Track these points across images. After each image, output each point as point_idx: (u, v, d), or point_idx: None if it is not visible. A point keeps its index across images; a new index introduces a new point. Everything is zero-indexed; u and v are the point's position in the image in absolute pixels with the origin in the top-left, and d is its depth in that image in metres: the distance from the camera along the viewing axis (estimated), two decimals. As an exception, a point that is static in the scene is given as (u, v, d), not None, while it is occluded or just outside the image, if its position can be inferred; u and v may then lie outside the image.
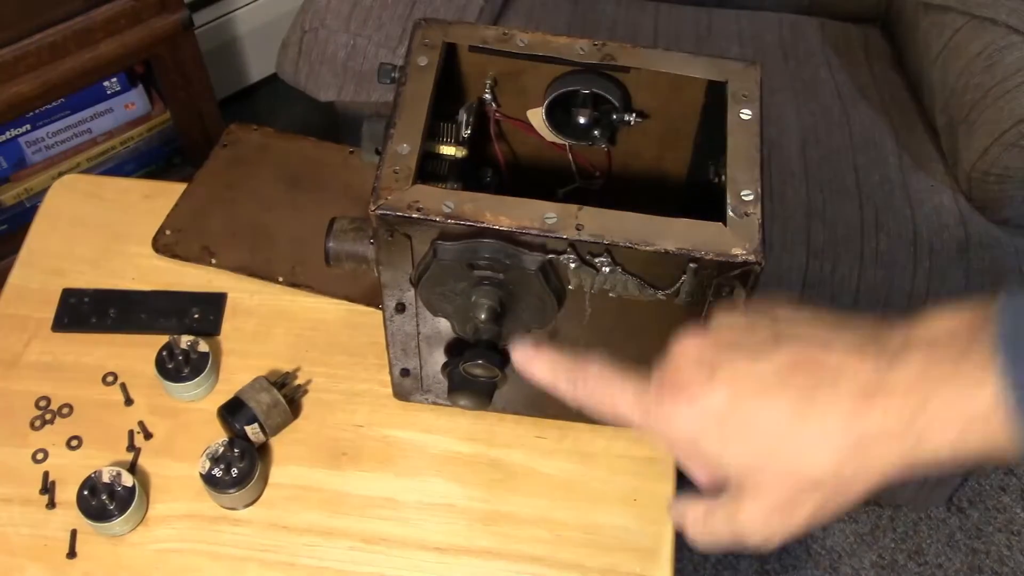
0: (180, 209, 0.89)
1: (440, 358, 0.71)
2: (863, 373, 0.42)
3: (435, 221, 0.58)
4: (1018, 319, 0.39)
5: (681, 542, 0.74)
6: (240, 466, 0.72)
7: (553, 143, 0.72)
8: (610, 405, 0.49)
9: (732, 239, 0.57)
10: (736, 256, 0.56)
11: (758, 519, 0.46)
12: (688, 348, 0.46)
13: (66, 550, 0.71)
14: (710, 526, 0.48)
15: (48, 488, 0.74)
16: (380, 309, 0.68)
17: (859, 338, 0.43)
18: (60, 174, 1.36)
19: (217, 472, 0.71)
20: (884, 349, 0.42)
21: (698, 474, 0.49)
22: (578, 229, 0.57)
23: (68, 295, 0.84)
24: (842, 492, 0.44)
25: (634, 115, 0.69)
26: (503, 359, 0.63)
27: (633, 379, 0.48)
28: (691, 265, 0.57)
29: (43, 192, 0.92)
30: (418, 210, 0.58)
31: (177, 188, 0.91)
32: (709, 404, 0.44)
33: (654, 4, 1.53)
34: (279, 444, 0.77)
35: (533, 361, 0.53)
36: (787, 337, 0.44)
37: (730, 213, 0.58)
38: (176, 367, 0.77)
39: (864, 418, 0.41)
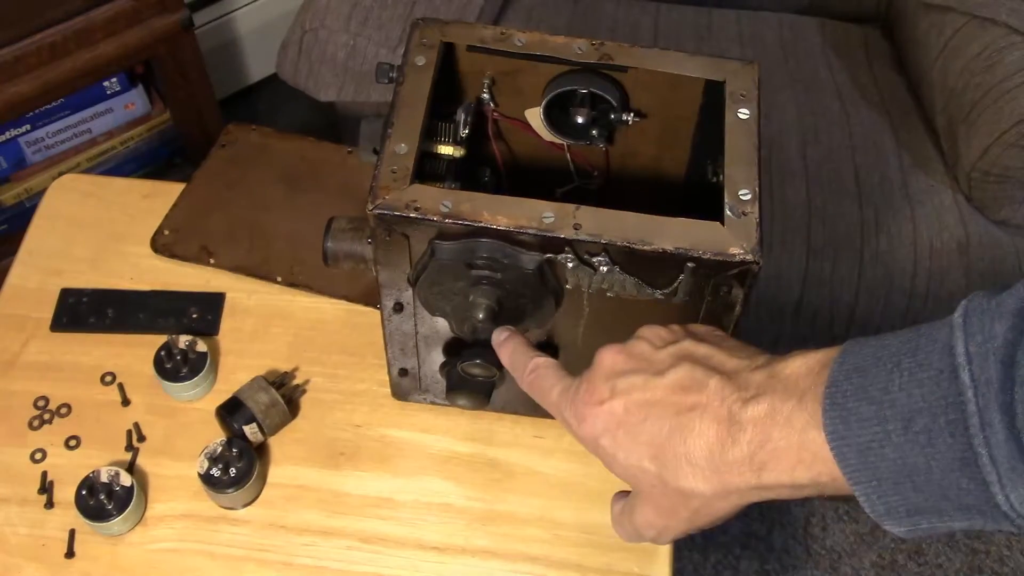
0: (178, 209, 0.89)
1: (438, 358, 0.71)
2: (728, 403, 0.47)
3: (433, 220, 0.58)
4: (845, 367, 0.43)
5: (680, 542, 0.74)
6: (238, 466, 0.72)
7: (551, 143, 0.72)
8: (541, 397, 0.57)
9: (730, 238, 0.57)
10: (734, 255, 0.56)
11: (648, 519, 0.52)
12: (605, 359, 0.53)
13: (64, 550, 0.71)
14: (621, 521, 0.56)
15: (46, 488, 0.74)
16: (378, 309, 0.68)
17: (739, 366, 0.48)
18: (60, 174, 1.35)
19: (215, 472, 0.71)
20: (748, 383, 0.47)
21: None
22: (576, 228, 0.57)
23: (66, 295, 0.84)
24: (710, 505, 0.49)
25: (632, 115, 0.69)
26: (501, 359, 0.63)
27: (565, 379, 0.55)
28: (689, 265, 0.57)
29: (43, 192, 0.92)
30: (416, 209, 0.58)
31: (176, 188, 0.91)
32: (609, 410, 0.51)
33: (654, 4, 1.53)
34: (277, 444, 0.77)
35: (500, 346, 0.62)
36: (686, 356, 0.50)
37: (728, 212, 0.58)
38: (174, 367, 0.77)
39: (721, 447, 0.46)
